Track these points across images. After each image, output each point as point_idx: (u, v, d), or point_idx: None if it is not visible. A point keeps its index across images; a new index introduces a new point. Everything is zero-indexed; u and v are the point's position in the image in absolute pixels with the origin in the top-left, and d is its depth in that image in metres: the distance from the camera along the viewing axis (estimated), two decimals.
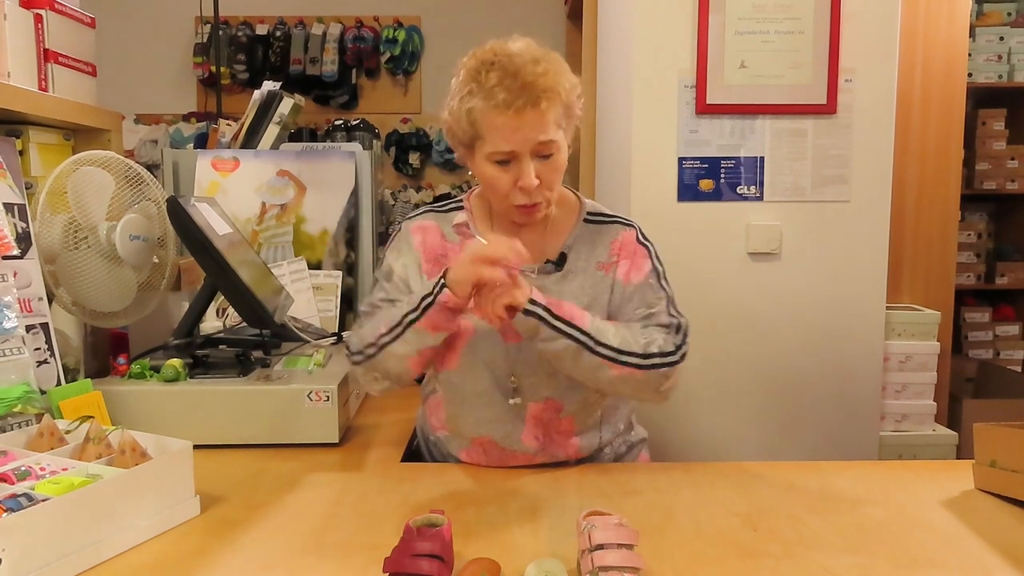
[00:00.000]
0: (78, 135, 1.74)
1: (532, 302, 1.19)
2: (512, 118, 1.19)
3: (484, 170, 1.26)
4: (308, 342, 1.74)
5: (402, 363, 1.28)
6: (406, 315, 1.23)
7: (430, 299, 1.21)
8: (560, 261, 1.34)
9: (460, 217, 1.39)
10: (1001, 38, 3.59)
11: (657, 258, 1.37)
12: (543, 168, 1.24)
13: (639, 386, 1.27)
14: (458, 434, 1.39)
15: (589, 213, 1.39)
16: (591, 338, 1.22)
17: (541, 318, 1.21)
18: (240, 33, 4.79)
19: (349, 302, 2.15)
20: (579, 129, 1.36)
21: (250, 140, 2.17)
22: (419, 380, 1.46)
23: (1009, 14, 3.68)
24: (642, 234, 1.38)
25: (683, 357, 1.28)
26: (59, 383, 1.39)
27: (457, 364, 1.33)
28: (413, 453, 1.53)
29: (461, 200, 1.42)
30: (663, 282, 1.35)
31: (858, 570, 1.01)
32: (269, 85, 2.19)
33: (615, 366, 1.23)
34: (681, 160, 2.02)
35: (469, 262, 1.16)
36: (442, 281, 1.20)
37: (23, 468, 1.07)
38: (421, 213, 1.42)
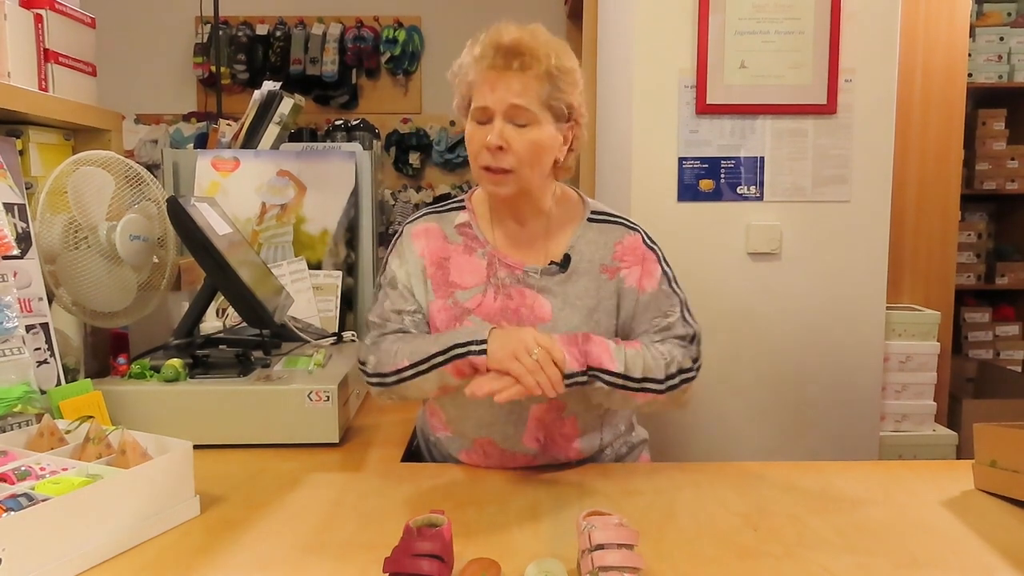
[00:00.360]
0: (78, 135, 1.74)
1: (568, 374, 1.19)
2: (490, 73, 1.23)
3: (467, 130, 1.29)
4: (308, 342, 1.74)
5: (423, 393, 1.30)
6: (432, 356, 1.23)
7: (462, 351, 1.20)
8: (564, 262, 1.33)
9: (462, 217, 1.39)
10: (1001, 38, 3.59)
11: (666, 261, 1.37)
12: (515, 136, 1.24)
13: (662, 405, 1.32)
14: (459, 435, 1.39)
15: (593, 212, 1.38)
16: (620, 376, 1.24)
17: (580, 383, 1.22)
18: (240, 33, 4.78)
19: (349, 302, 2.15)
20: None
21: (250, 140, 2.17)
22: None
23: (1009, 14, 3.68)
24: (648, 237, 1.38)
25: (699, 368, 1.32)
26: (59, 383, 1.39)
27: None
28: (413, 453, 1.52)
29: (462, 200, 1.42)
30: (675, 286, 1.36)
31: (858, 570, 1.01)
32: (269, 85, 2.19)
33: (640, 394, 1.27)
34: (681, 160, 2.02)
35: (513, 355, 1.15)
36: (483, 346, 1.19)
37: (23, 468, 1.07)
38: (422, 215, 1.41)
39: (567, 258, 1.33)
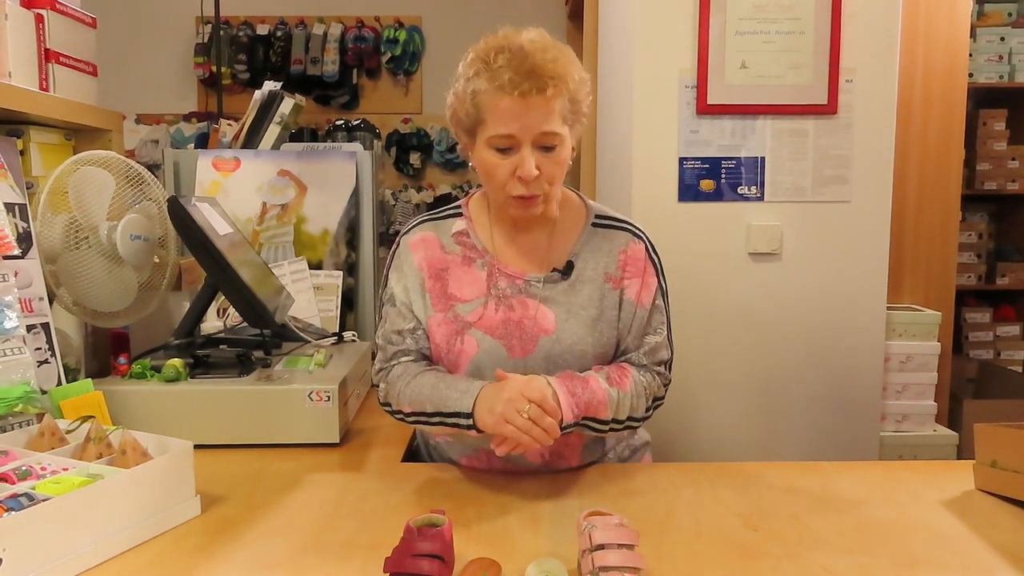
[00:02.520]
0: (79, 135, 1.74)
1: (564, 426, 1.19)
2: (517, 101, 1.16)
3: (483, 157, 1.23)
4: (309, 342, 1.75)
5: (435, 431, 1.32)
6: (429, 413, 1.25)
7: (450, 422, 1.22)
8: (567, 269, 1.31)
9: (459, 225, 1.36)
10: (1002, 38, 3.59)
11: (663, 273, 1.37)
12: (544, 160, 1.21)
13: (632, 432, 1.42)
14: (461, 443, 1.37)
15: (597, 216, 1.36)
16: (608, 423, 1.27)
17: (570, 432, 1.23)
18: (241, 33, 4.79)
19: (350, 302, 2.15)
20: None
21: (251, 140, 2.17)
22: None
23: (1010, 14, 3.68)
24: (651, 247, 1.36)
25: (667, 390, 1.37)
26: (60, 383, 1.39)
27: None
28: (413, 453, 1.52)
29: (459, 206, 1.38)
30: (666, 300, 1.37)
31: (858, 570, 1.01)
32: (270, 85, 2.19)
33: (622, 432, 1.33)
34: (682, 160, 2.02)
35: (503, 419, 1.14)
36: (471, 420, 1.19)
37: (24, 468, 1.07)
38: (418, 224, 1.38)
39: (570, 264, 1.31)
